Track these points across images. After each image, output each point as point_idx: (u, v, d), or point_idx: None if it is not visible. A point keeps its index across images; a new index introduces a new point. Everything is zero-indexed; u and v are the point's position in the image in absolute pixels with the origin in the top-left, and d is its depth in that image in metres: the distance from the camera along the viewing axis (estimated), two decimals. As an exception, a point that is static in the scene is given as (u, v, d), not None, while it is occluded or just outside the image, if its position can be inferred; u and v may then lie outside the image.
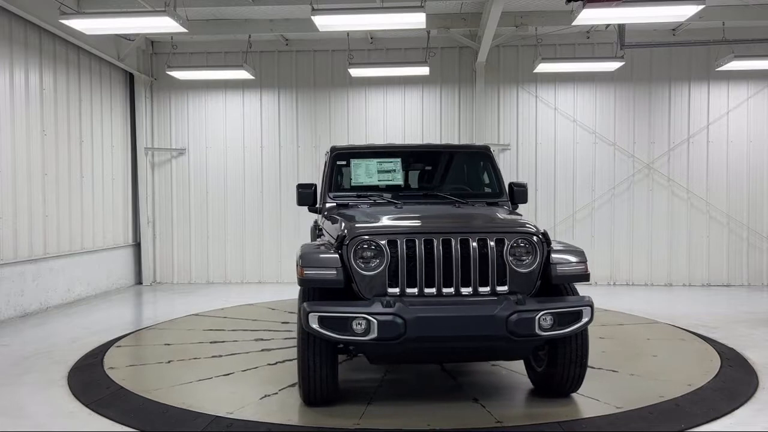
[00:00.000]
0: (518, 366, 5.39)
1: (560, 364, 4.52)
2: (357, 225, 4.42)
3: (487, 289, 4.24)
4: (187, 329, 7.24)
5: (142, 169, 11.12)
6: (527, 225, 4.48)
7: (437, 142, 10.85)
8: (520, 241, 4.32)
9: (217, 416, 4.41)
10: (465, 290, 4.23)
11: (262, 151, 11.26)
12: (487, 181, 5.95)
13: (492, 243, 4.25)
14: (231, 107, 11.29)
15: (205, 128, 11.31)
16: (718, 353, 6.05)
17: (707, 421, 4.34)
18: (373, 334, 3.95)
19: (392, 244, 4.21)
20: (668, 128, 10.82)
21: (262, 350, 6.21)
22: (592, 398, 4.72)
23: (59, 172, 9.12)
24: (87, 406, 4.72)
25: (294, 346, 6.22)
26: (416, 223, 4.62)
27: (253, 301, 9.08)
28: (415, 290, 4.20)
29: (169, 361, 5.83)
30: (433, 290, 4.21)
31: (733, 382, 5.19)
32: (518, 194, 5.76)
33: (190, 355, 6.05)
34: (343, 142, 10.76)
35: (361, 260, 4.21)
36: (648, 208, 10.81)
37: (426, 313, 4.00)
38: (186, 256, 11.35)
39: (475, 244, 4.23)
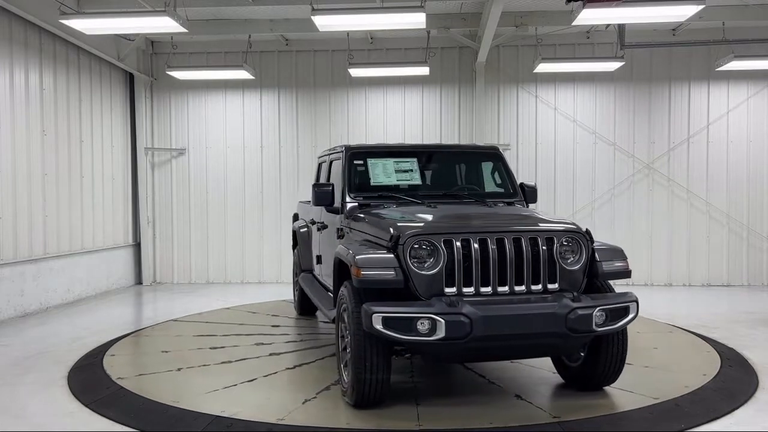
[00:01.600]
0: (537, 362, 5.48)
1: (602, 359, 4.62)
2: (411, 225, 4.41)
3: (539, 287, 4.35)
4: (176, 335, 6.94)
5: (142, 169, 11.12)
6: (573, 224, 4.59)
7: (437, 142, 10.85)
8: (568, 239, 4.45)
9: (217, 416, 4.41)
10: (518, 288, 4.32)
11: (262, 151, 11.26)
12: (499, 181, 6.04)
13: (543, 241, 4.35)
14: (231, 107, 11.28)
15: (205, 128, 11.31)
16: (718, 353, 6.05)
17: (707, 421, 4.34)
18: (440, 334, 3.95)
19: (448, 243, 4.25)
20: (668, 128, 10.82)
21: (271, 354, 6.09)
22: (624, 390, 4.88)
23: (59, 172, 9.12)
24: (87, 406, 4.73)
25: (303, 349, 6.26)
26: (468, 222, 4.63)
27: (234, 304, 8.83)
28: (471, 289, 4.25)
29: (179, 369, 5.60)
30: (489, 289, 4.28)
31: (733, 382, 5.20)
32: (529, 194, 5.95)
33: (196, 362, 5.81)
34: (343, 142, 10.76)
35: (416, 260, 4.23)
36: (648, 208, 10.81)
37: (491, 312, 4.06)
38: (186, 256, 11.35)
39: (527, 243, 4.33)
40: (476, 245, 4.26)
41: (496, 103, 10.95)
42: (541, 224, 4.58)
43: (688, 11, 7.33)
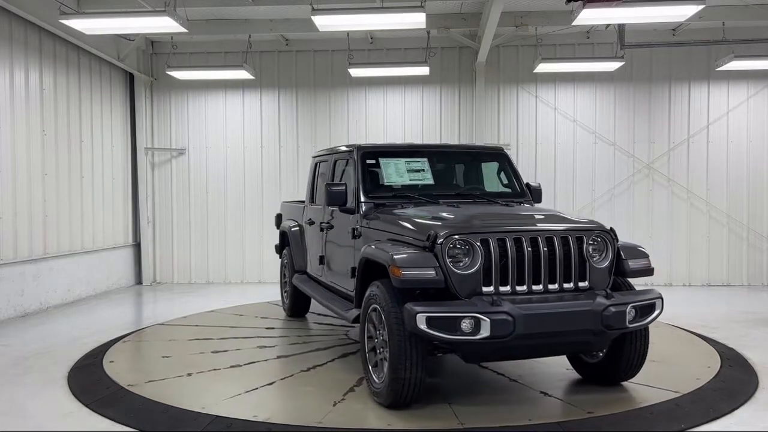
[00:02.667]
0: (549, 359, 5.52)
1: (626, 354, 4.76)
2: (447, 224, 4.42)
3: (571, 285, 4.44)
4: (169, 339, 6.78)
5: (142, 169, 11.12)
6: (599, 223, 4.71)
7: (437, 142, 10.85)
8: (595, 238, 4.56)
9: (217, 416, 4.41)
10: (551, 287, 4.40)
11: (262, 151, 11.26)
12: (506, 181, 6.11)
13: (574, 240, 4.46)
14: (231, 107, 11.28)
15: (205, 128, 11.31)
16: (718, 353, 6.05)
17: (707, 421, 4.35)
18: (485, 333, 4.00)
19: (485, 243, 4.30)
20: (668, 128, 10.82)
21: (279, 357, 6.02)
22: (642, 385, 5.03)
23: (59, 172, 9.12)
24: (87, 405, 4.73)
25: (310, 351, 6.18)
26: (501, 222, 4.66)
27: (223, 306, 8.69)
28: (507, 288, 4.31)
29: (189, 374, 5.44)
30: (524, 288, 4.34)
31: (733, 382, 5.20)
32: (535, 194, 6.08)
33: (204, 367, 5.64)
34: (343, 142, 10.75)
35: (452, 259, 4.26)
36: (648, 208, 10.81)
37: (532, 311, 4.12)
38: (186, 256, 11.35)
39: (559, 241, 4.42)
40: (512, 244, 4.33)
41: (496, 103, 10.95)
42: (570, 223, 4.65)
43: (688, 11, 7.33)
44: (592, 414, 4.39)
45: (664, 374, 5.34)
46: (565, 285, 4.42)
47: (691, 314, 8.15)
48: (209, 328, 7.33)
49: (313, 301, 7.26)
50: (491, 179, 6.19)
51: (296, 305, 7.71)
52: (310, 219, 6.97)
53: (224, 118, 11.28)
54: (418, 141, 10.85)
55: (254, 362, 5.84)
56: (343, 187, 5.53)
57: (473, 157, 6.32)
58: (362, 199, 5.51)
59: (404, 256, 4.28)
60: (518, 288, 4.33)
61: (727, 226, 10.74)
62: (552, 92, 10.93)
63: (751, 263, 10.74)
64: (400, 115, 11.08)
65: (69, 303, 9.20)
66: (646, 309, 4.44)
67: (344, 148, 6.19)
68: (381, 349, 4.54)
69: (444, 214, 4.79)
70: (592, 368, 5.07)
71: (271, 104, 11.25)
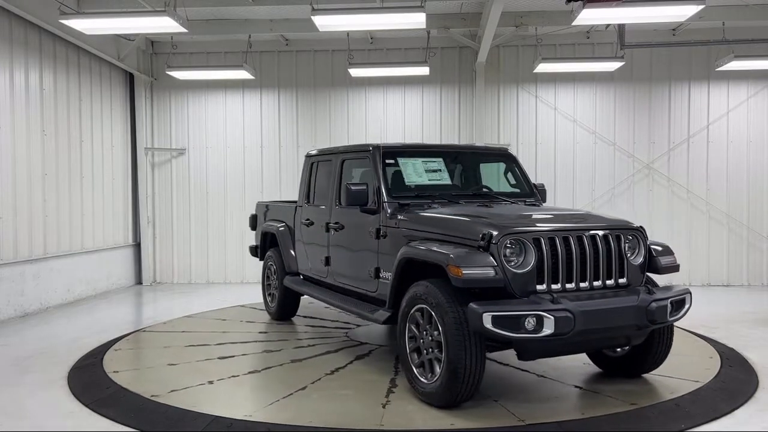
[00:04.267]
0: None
1: (655, 346, 5.00)
2: (501, 224, 4.49)
3: (612, 282, 4.59)
4: (164, 346, 6.51)
5: (142, 169, 11.12)
6: (629, 221, 4.90)
7: (437, 142, 10.85)
8: (630, 236, 4.75)
9: (217, 416, 4.40)
10: (595, 284, 4.54)
11: (262, 151, 11.26)
12: (513, 181, 6.21)
13: (614, 238, 4.63)
14: (231, 107, 11.28)
15: (205, 128, 11.31)
16: (718, 353, 6.05)
17: (707, 421, 4.35)
18: (548, 330, 4.08)
19: (536, 242, 4.40)
20: (668, 128, 10.82)
21: (293, 361, 5.86)
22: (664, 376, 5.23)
23: (59, 172, 9.12)
24: (87, 406, 4.72)
25: (323, 354, 6.09)
26: (546, 221, 4.80)
27: (198, 311, 8.45)
28: (557, 286, 4.41)
29: (211, 382, 5.24)
30: (573, 285, 4.46)
31: (733, 382, 5.20)
32: (541, 194, 6.23)
33: (222, 374, 5.45)
34: (343, 142, 10.75)
35: (506, 258, 4.33)
36: (648, 208, 10.80)
37: (589, 307, 4.24)
38: (186, 256, 11.35)
39: (601, 240, 4.58)
40: (561, 243, 4.44)
41: (496, 103, 10.95)
42: (608, 222, 4.80)
43: (688, 11, 7.33)
44: (636, 405, 4.57)
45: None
46: (607, 282, 4.58)
47: (691, 314, 8.03)
48: (197, 334, 7.04)
49: (301, 303, 7.28)
50: (505, 180, 6.29)
51: (285, 308, 7.60)
52: (308, 219, 6.84)
53: (224, 118, 11.28)
54: (418, 141, 10.85)
55: (270, 368, 5.68)
56: (365, 187, 5.48)
57: (484, 157, 6.42)
58: (386, 199, 5.45)
59: (464, 255, 4.30)
60: (567, 286, 4.44)
61: (727, 226, 10.74)
62: (552, 92, 10.93)
63: (751, 263, 10.74)
64: (400, 115, 11.08)
65: (69, 303, 9.20)
66: (680, 303, 4.67)
67: (361, 147, 6.12)
68: (429, 350, 4.56)
69: (490, 214, 4.87)
70: (614, 362, 5.25)
71: (271, 104, 11.25)
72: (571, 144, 10.91)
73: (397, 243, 5.11)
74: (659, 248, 4.95)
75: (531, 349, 4.41)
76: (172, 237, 11.36)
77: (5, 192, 8.03)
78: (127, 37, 10.22)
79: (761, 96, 10.68)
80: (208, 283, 11.20)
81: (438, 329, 4.40)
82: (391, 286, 5.07)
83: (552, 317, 4.06)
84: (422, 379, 4.64)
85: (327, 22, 7.76)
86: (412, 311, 4.69)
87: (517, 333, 4.08)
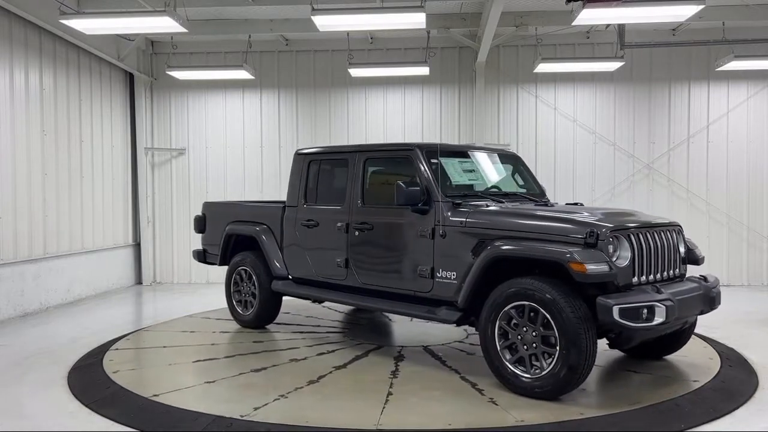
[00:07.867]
0: None
1: (687, 331, 5.57)
2: (604, 222, 4.77)
3: (677, 272, 5.12)
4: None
5: (142, 169, 11.12)
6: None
7: (437, 142, 10.84)
8: (680, 230, 5.29)
9: (217, 416, 4.40)
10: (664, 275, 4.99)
11: (262, 151, 11.26)
12: (521, 182, 6.40)
13: (675, 233, 5.19)
14: (231, 107, 11.28)
15: (205, 128, 11.31)
16: (718, 353, 6.05)
17: (707, 421, 4.35)
18: (660, 319, 4.42)
19: (629, 237, 4.74)
20: (668, 128, 10.81)
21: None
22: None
23: (59, 172, 9.12)
24: (87, 406, 4.72)
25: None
26: (634, 219, 5.11)
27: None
28: (644, 278, 4.78)
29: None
30: (655, 276, 4.88)
31: (732, 382, 5.20)
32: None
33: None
34: (343, 142, 10.76)
35: (611, 254, 4.60)
36: (648, 208, 10.78)
37: (682, 296, 4.69)
38: (186, 256, 11.33)
39: (668, 235, 5.09)
40: (648, 239, 4.85)
41: (496, 103, 10.95)
42: (668, 220, 5.35)
43: (688, 11, 7.33)
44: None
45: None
46: (673, 273, 5.07)
47: (691, 314, 8.14)
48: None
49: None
50: (518, 180, 6.43)
51: (265, 314, 7.20)
52: (308, 220, 6.71)
53: (224, 118, 11.28)
54: (418, 141, 10.83)
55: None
56: (418, 188, 5.45)
57: (502, 159, 6.55)
58: (440, 198, 5.41)
59: (585, 252, 4.51)
60: (651, 277, 4.83)
61: (727, 226, 10.74)
62: (552, 92, 10.92)
63: (751, 263, 10.74)
64: (400, 115, 11.08)
65: (69, 303, 9.20)
66: (720, 292, 5.20)
67: (400, 146, 6.15)
68: (531, 345, 4.68)
69: (574, 212, 5.09)
70: (644, 346, 5.56)
71: (271, 104, 11.24)
72: (571, 144, 10.91)
73: (463, 242, 5.17)
74: (691, 243, 5.49)
75: (635, 338, 4.82)
76: (172, 237, 11.36)
77: (5, 192, 8.03)
78: (127, 37, 10.22)
79: (761, 96, 10.68)
80: (208, 283, 11.19)
81: (544, 324, 4.58)
82: (469, 285, 5.06)
83: (663, 306, 4.41)
84: (523, 375, 4.72)
85: (327, 22, 7.76)
86: (506, 308, 4.76)
87: (636, 323, 4.37)
